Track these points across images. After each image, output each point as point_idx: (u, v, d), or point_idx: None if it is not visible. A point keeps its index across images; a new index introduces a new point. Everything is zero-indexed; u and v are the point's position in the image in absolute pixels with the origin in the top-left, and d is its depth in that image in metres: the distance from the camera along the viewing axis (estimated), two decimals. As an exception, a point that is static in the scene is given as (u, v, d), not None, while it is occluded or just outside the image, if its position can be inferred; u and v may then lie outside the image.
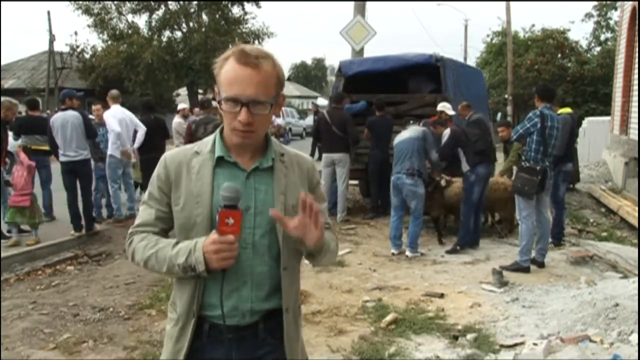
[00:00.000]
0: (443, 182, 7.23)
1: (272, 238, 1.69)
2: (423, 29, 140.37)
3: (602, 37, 29.01)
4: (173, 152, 1.78)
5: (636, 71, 12.16)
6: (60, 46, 43.33)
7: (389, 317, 4.58)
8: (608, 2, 27.35)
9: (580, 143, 12.87)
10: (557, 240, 7.26)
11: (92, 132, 7.72)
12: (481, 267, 6.30)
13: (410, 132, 6.83)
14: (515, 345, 4.06)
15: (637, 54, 12.30)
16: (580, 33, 76.72)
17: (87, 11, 27.79)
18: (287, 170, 1.75)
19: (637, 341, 3.76)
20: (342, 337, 4.31)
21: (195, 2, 28.81)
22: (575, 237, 7.78)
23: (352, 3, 13.20)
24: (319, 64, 70.42)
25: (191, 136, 7.21)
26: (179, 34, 29.45)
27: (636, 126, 11.30)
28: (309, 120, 29.42)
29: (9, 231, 7.17)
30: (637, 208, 8.84)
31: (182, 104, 12.63)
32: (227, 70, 1.62)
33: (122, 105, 8.62)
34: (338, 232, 7.88)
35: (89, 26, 28.22)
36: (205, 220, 1.66)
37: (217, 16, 28.71)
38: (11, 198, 6.96)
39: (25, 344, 4.24)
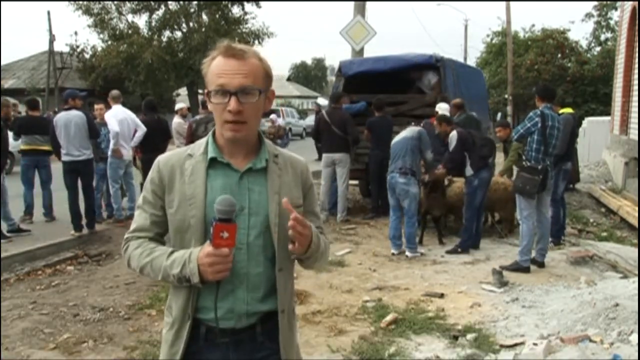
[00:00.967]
0: (446, 182, 7.24)
1: (267, 239, 1.69)
2: (423, 29, 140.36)
3: (602, 37, 29.04)
4: (166, 156, 1.78)
5: (636, 71, 12.16)
6: (60, 46, 43.33)
7: (389, 317, 4.58)
8: (608, 2, 27.35)
9: (580, 143, 12.86)
10: (556, 239, 7.26)
11: (95, 132, 7.78)
12: (481, 267, 6.30)
13: (405, 132, 6.91)
14: (515, 345, 4.06)
15: (637, 54, 12.29)
16: (580, 33, 76.77)
17: (87, 11, 27.77)
18: (280, 172, 1.74)
19: (637, 341, 3.76)
20: (342, 337, 4.31)
21: (195, 2, 28.78)
22: (575, 237, 7.79)
23: (352, 3, 13.21)
24: (319, 64, 70.42)
25: (192, 136, 7.24)
26: (179, 34, 29.44)
27: (636, 126, 11.30)
28: (309, 120, 29.41)
29: (9, 231, 7.18)
30: (637, 208, 8.84)
31: (181, 104, 12.61)
32: (215, 65, 1.65)
33: (123, 105, 8.63)
34: (338, 232, 7.89)
35: (89, 26, 28.21)
36: (199, 221, 1.65)
37: (217, 16, 28.68)
38: None
39: (25, 344, 4.24)
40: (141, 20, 29.74)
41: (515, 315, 4.73)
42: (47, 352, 4.11)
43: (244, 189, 1.68)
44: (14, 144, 9.39)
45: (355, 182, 10.40)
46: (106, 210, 8.57)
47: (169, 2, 28.62)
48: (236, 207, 1.57)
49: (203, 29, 28.26)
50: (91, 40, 57.15)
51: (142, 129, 8.20)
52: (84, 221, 7.60)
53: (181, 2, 28.50)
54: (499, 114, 25.56)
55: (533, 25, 29.14)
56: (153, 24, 28.87)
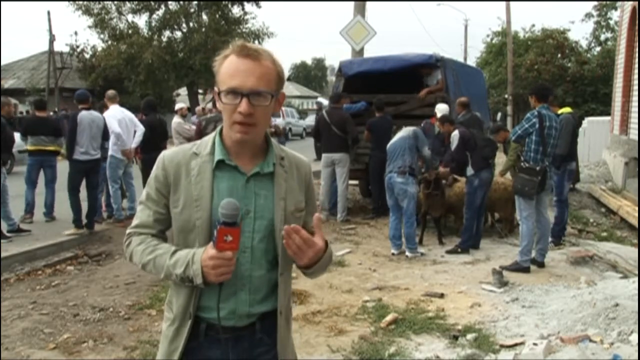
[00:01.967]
0: (449, 181, 7.24)
1: (270, 243, 1.69)
2: (423, 29, 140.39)
3: (602, 37, 29.03)
4: (171, 153, 1.75)
5: (636, 71, 12.16)
6: (60, 46, 43.42)
7: (389, 317, 4.58)
8: (608, 2, 27.34)
9: (580, 143, 12.80)
10: (557, 239, 7.26)
11: (107, 133, 7.95)
12: (481, 267, 6.30)
13: (401, 133, 6.94)
14: (515, 345, 4.06)
15: (637, 54, 12.29)
16: (580, 33, 76.81)
17: (87, 11, 27.78)
18: (287, 175, 1.74)
19: (637, 341, 3.76)
20: (342, 337, 4.31)
21: (195, 2, 28.80)
22: (575, 237, 7.79)
23: (352, 3, 13.22)
24: (319, 64, 70.49)
25: (200, 134, 7.27)
26: (179, 34, 29.47)
27: (636, 126, 11.30)
28: (309, 120, 29.40)
29: (9, 231, 7.18)
30: (637, 208, 8.84)
31: (180, 104, 12.61)
32: (228, 64, 1.62)
33: (123, 105, 8.63)
34: (338, 232, 7.90)
35: (89, 26, 28.23)
36: (205, 223, 1.65)
37: (217, 16, 28.68)
38: None
39: (25, 344, 4.24)
40: (141, 21, 29.80)
41: (515, 315, 4.73)
42: (47, 352, 4.11)
43: (250, 192, 1.67)
44: (17, 144, 9.39)
45: (355, 182, 10.41)
46: (106, 211, 8.58)
47: (169, 2, 28.64)
48: (241, 211, 1.56)
49: (203, 29, 28.27)
50: (91, 40, 57.19)
51: (140, 129, 8.21)
52: (84, 222, 7.63)
53: (181, 2, 28.51)
54: (499, 114, 25.59)
55: (533, 25, 29.20)
56: (153, 24, 28.89)
